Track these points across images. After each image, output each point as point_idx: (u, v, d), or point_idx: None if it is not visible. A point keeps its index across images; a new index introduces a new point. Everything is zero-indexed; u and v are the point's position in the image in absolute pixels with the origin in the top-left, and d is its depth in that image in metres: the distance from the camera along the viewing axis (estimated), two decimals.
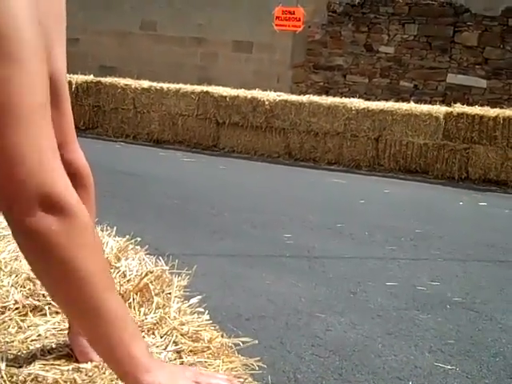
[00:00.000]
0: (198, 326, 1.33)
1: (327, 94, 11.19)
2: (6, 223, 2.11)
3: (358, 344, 3.33)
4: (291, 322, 3.60)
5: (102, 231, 2.00)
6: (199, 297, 1.61)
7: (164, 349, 1.20)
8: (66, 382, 1.04)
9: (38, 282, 1.52)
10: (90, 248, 0.87)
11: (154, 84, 10.99)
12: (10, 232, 1.98)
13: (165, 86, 10.88)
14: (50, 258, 0.84)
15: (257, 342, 1.33)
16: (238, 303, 3.82)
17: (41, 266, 0.87)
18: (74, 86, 11.35)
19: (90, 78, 11.53)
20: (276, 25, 12.26)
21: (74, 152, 1.06)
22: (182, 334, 1.26)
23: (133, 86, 11.04)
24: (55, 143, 0.85)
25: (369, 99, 10.29)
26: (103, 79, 11.40)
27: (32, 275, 1.56)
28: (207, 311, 1.48)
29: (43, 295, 1.46)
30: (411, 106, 9.44)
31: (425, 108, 9.35)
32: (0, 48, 0.77)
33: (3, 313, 1.37)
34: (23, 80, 0.79)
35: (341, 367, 3.05)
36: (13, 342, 1.19)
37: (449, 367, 3.10)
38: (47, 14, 0.98)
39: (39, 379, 1.05)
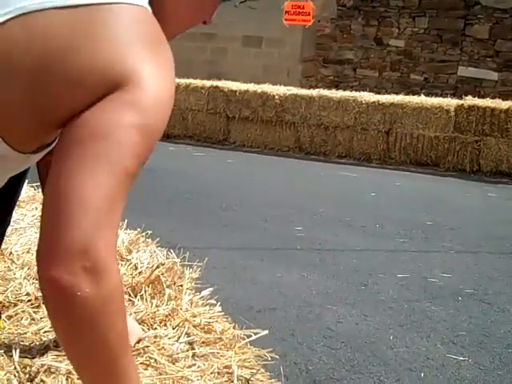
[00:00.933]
0: (210, 317, 1.34)
1: (337, 87, 11.15)
2: (17, 217, 2.11)
3: (370, 336, 3.33)
4: (302, 314, 3.60)
5: None
6: (211, 289, 1.61)
7: (176, 340, 1.20)
8: None
9: None
10: (118, 313, 0.85)
11: None
12: (22, 225, 1.99)
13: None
14: (78, 321, 0.81)
15: (268, 332, 1.33)
16: (249, 296, 3.83)
17: (66, 326, 0.83)
18: None
19: None
20: (285, 19, 12.23)
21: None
22: (194, 326, 1.27)
23: None
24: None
25: (379, 93, 10.25)
26: None
27: None
28: (219, 303, 1.49)
29: None
30: (422, 99, 9.40)
31: (435, 101, 9.31)
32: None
33: (16, 305, 1.38)
34: None
35: (352, 359, 3.05)
36: (26, 333, 1.19)
37: (461, 358, 3.09)
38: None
39: (52, 370, 1.05)
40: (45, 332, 1.20)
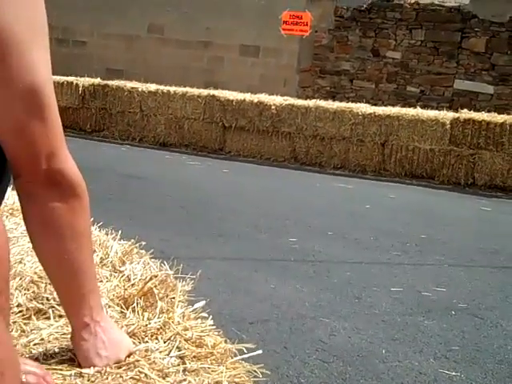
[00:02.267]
0: (202, 331, 1.33)
1: (334, 98, 11.18)
2: (11, 226, 2.10)
3: (363, 349, 3.32)
4: (295, 326, 3.59)
5: (107, 235, 2.00)
6: (203, 301, 1.60)
7: (167, 354, 1.19)
8: None
9: (42, 285, 1.52)
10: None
11: (161, 87, 11.00)
12: (15, 234, 1.97)
13: (171, 89, 10.89)
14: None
15: (261, 351, 1.32)
16: (242, 307, 3.82)
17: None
18: (80, 89, 11.39)
19: (97, 80, 11.55)
20: (283, 29, 12.27)
21: (63, 162, 1.05)
22: (185, 340, 1.26)
23: (139, 89, 11.06)
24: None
25: (375, 104, 10.28)
26: (110, 82, 11.41)
27: (36, 278, 1.56)
28: (211, 316, 1.48)
29: (47, 298, 1.45)
30: (418, 112, 9.43)
31: (431, 113, 9.33)
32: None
33: None
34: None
35: (345, 372, 3.04)
36: (15, 345, 1.18)
37: (453, 374, 3.09)
38: (19, 20, 0.96)
39: None
40: (35, 344, 1.19)
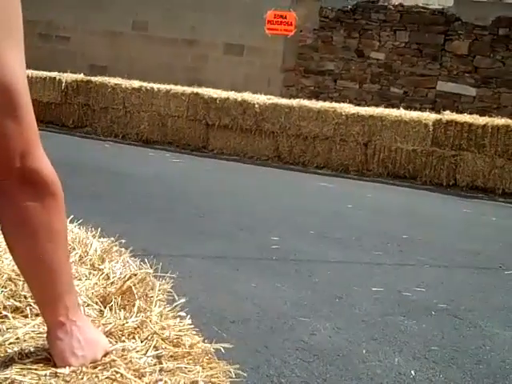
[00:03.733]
0: (180, 330, 1.32)
1: (317, 98, 11.18)
2: None
3: (343, 349, 3.33)
4: (276, 325, 3.59)
5: (87, 232, 1.98)
6: (182, 300, 1.59)
7: (144, 354, 1.18)
8: None
9: (20, 282, 1.51)
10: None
11: (145, 84, 10.96)
12: None
13: (155, 86, 10.85)
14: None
15: (233, 345, 1.32)
16: (223, 306, 3.81)
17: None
18: (63, 85, 11.32)
19: (81, 76, 11.48)
20: (268, 29, 12.27)
21: (38, 160, 1.04)
22: (162, 339, 1.25)
23: (123, 86, 11.00)
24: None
25: (359, 104, 10.30)
26: (93, 78, 11.35)
27: (14, 276, 1.54)
28: (189, 315, 1.47)
29: (25, 296, 1.44)
30: (401, 113, 9.47)
31: (414, 115, 9.38)
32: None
33: None
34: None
35: (325, 372, 3.05)
36: None
37: (432, 374, 3.11)
38: None
39: None
40: (10, 344, 1.17)
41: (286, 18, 12.13)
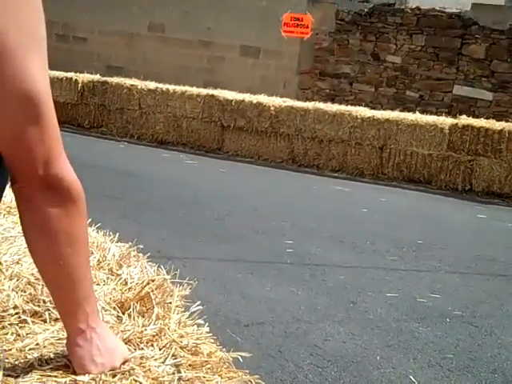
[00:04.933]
0: (198, 338, 1.32)
1: (333, 101, 11.17)
2: (8, 225, 2.09)
3: (357, 355, 3.32)
4: (290, 330, 3.59)
5: (105, 236, 1.99)
6: (200, 307, 1.60)
7: (162, 362, 1.18)
8: None
9: (39, 286, 1.52)
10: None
11: (160, 85, 10.99)
12: (13, 233, 1.96)
13: (171, 87, 10.88)
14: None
15: (251, 355, 1.32)
16: (237, 309, 3.81)
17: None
18: (80, 85, 11.38)
19: (97, 77, 11.54)
20: (284, 31, 12.27)
21: (61, 167, 1.05)
22: (181, 347, 1.25)
23: (139, 87, 11.05)
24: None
25: (374, 108, 10.29)
26: (109, 79, 11.40)
27: (33, 280, 1.55)
28: (207, 323, 1.47)
29: (43, 301, 1.45)
30: (417, 117, 9.43)
31: (430, 119, 9.34)
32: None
33: (3, 317, 1.36)
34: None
35: (339, 378, 3.04)
36: (11, 350, 1.18)
37: (447, 383, 3.09)
38: (16, 26, 0.95)
39: None
40: (30, 349, 1.18)
41: (302, 20, 12.13)
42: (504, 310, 4.24)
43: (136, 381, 1.10)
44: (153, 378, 1.12)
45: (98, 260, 1.76)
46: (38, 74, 0.99)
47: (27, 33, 0.97)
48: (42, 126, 1.01)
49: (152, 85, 11.06)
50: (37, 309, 1.41)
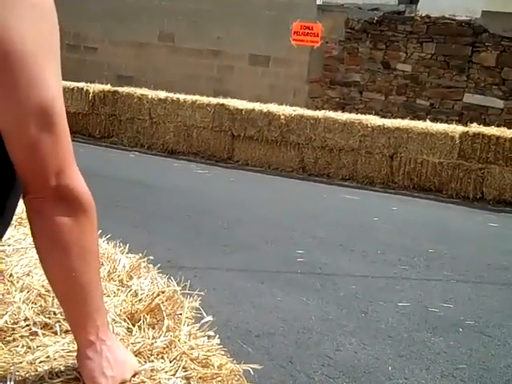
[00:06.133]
0: (208, 350, 1.31)
1: (343, 109, 11.16)
2: (19, 236, 2.09)
3: (369, 365, 3.30)
4: (301, 340, 3.57)
5: (115, 248, 1.99)
6: (210, 318, 1.59)
7: (173, 375, 1.18)
8: None
9: (50, 298, 1.52)
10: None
11: (171, 95, 11.01)
12: (24, 245, 1.97)
13: (181, 97, 10.90)
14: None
15: (260, 362, 1.31)
16: (247, 319, 3.80)
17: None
18: (90, 95, 11.42)
19: (107, 87, 11.58)
20: (294, 40, 12.29)
21: (73, 178, 1.05)
22: (191, 360, 1.24)
23: (149, 97, 11.08)
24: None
25: (385, 116, 10.25)
26: (120, 89, 11.44)
27: (43, 292, 1.55)
28: (217, 335, 1.46)
29: (54, 313, 1.45)
30: (427, 125, 9.40)
31: (441, 127, 9.30)
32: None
33: (14, 330, 1.36)
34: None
35: None
36: (21, 362, 1.17)
37: None
38: (32, 35, 0.96)
39: None
40: (40, 362, 1.18)
41: (312, 29, 12.14)
42: None
43: None
44: None
45: (109, 271, 1.76)
46: (53, 84, 1.00)
47: (43, 43, 0.98)
48: (55, 136, 1.01)
49: (162, 94, 11.09)
50: (47, 321, 1.41)
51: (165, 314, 1.48)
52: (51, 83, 0.99)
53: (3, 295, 1.55)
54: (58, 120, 1.01)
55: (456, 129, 9.17)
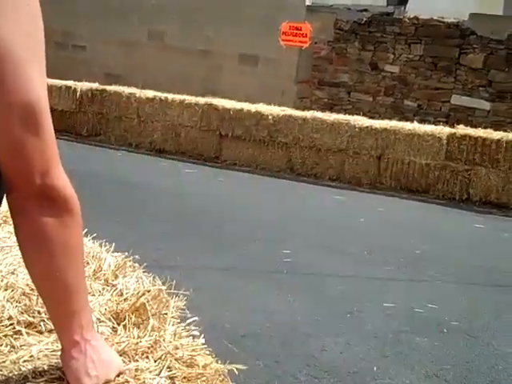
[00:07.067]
0: (193, 350, 1.31)
1: (331, 110, 11.17)
2: (3, 235, 2.08)
3: (354, 366, 3.31)
4: (287, 340, 3.58)
5: (101, 246, 1.99)
6: (196, 318, 1.59)
7: (157, 374, 1.18)
8: None
9: (34, 297, 1.51)
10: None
11: (159, 94, 10.99)
12: (8, 243, 1.96)
13: (169, 96, 10.88)
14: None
15: (245, 362, 1.31)
16: (234, 319, 3.80)
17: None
18: (78, 93, 11.38)
19: (95, 85, 11.54)
20: (282, 40, 12.29)
21: (57, 178, 1.05)
22: (176, 359, 1.25)
23: (137, 95, 11.05)
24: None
25: (372, 117, 10.28)
26: (108, 87, 11.40)
27: (28, 290, 1.55)
28: (203, 334, 1.47)
29: (38, 312, 1.44)
30: (414, 126, 9.43)
31: (428, 128, 9.34)
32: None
33: None
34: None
35: None
36: (5, 361, 1.17)
37: None
38: (17, 36, 0.96)
39: None
40: (24, 361, 1.17)
41: (301, 29, 12.15)
42: (501, 320, 4.23)
43: None
44: None
45: (94, 270, 1.75)
46: (38, 82, 0.99)
47: (29, 43, 0.97)
48: (40, 136, 1.01)
49: (150, 93, 11.06)
50: (31, 320, 1.41)
51: (150, 314, 1.48)
52: (37, 83, 0.99)
53: None
54: (43, 120, 1.01)
55: (443, 130, 9.21)
